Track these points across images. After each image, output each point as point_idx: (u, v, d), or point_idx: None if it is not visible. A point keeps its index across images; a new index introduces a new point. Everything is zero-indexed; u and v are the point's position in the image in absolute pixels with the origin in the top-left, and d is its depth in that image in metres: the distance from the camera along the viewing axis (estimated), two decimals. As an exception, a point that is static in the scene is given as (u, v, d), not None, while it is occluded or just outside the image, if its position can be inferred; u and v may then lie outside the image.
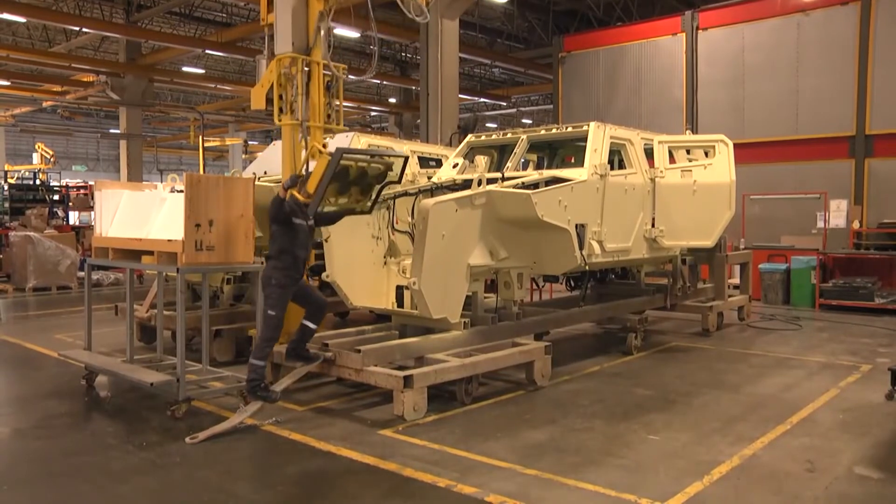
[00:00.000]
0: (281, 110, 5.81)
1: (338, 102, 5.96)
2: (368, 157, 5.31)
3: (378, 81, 24.43)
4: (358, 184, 5.34)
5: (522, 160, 7.29)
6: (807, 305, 10.04)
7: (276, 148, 8.49)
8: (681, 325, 8.56)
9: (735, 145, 7.09)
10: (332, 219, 5.37)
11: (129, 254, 5.23)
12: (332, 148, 5.93)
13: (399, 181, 5.78)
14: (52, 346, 7.08)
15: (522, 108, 29.92)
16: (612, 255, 6.26)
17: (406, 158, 5.75)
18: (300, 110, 5.75)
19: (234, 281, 7.33)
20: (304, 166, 5.70)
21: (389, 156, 5.67)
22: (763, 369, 6.18)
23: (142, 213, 5.29)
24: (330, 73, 5.85)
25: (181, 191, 4.91)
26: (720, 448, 4.14)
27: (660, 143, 7.02)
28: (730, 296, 8.71)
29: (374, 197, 5.57)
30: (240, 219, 4.99)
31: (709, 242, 6.85)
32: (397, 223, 6.10)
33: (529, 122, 33.14)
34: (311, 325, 5.06)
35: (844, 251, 10.38)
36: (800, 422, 4.65)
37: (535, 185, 5.73)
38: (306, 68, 5.79)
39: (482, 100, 27.53)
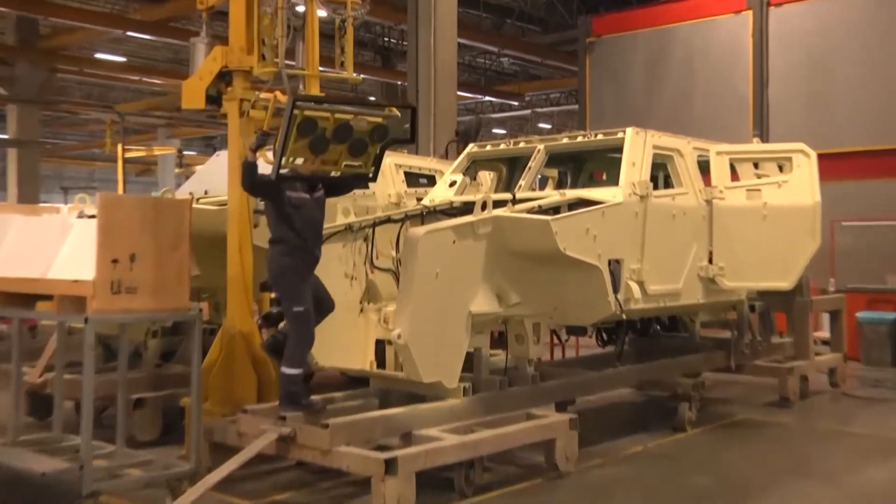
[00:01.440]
0: (263, 57, 6.02)
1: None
2: (337, 107, 5.41)
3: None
4: (342, 141, 5.43)
5: (539, 177, 7.46)
6: (924, 368, 9.97)
7: (220, 160, 8.65)
8: (750, 393, 8.62)
9: (819, 156, 7.17)
10: (339, 187, 5.67)
11: (19, 298, 5.22)
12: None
13: (412, 140, 5.89)
14: None
15: (539, 110, 30.32)
16: (656, 299, 6.39)
17: (414, 109, 5.83)
18: (281, 55, 5.93)
19: (163, 333, 7.41)
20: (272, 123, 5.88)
21: (375, 106, 5.79)
22: (868, 454, 6.20)
23: (38, 244, 5.30)
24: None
25: (93, 216, 5.02)
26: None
27: (718, 153, 7.19)
28: (817, 354, 8.79)
29: (374, 158, 5.67)
30: (172, 252, 5.10)
31: (785, 283, 6.96)
32: (377, 258, 6.23)
33: (548, 127, 33.52)
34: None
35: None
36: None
37: (555, 210, 5.88)
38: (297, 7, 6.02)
39: (487, 98, 27.99)
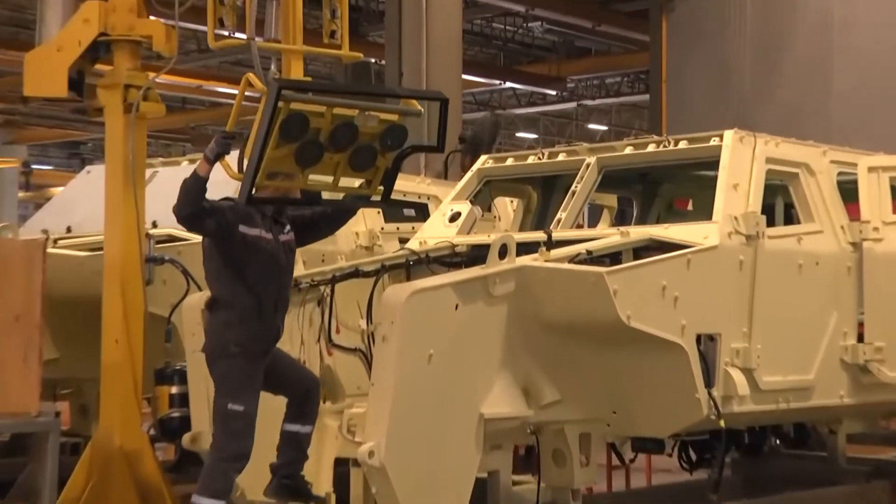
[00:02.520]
0: (221, 22, 6.20)
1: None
2: (337, 99, 5.64)
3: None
4: (342, 148, 5.64)
5: (588, 205, 7.51)
6: None
7: (91, 178, 8.73)
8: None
9: None
10: (317, 225, 6.00)
11: None
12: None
13: (440, 148, 6.14)
14: None
15: (588, 102, 30.53)
16: (774, 398, 6.39)
17: (445, 103, 6.03)
18: (250, 17, 6.09)
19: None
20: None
21: (389, 96, 6.03)
22: None
23: None
24: None
25: None
26: None
27: (872, 170, 7.25)
28: None
29: (383, 175, 5.90)
30: (13, 325, 5.16)
31: None
32: (337, 332, 6.29)
33: (602, 129, 33.79)
34: (303, 429, 5.53)
35: None
36: None
37: (614, 257, 5.95)
38: None
39: (509, 85, 28.13)
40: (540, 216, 7.67)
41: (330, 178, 5.80)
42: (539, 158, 7.48)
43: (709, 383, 5.85)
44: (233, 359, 5.45)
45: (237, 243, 5.49)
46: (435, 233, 7.11)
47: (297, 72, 6.32)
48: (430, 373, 5.20)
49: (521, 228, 7.70)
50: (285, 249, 5.73)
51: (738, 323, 6.20)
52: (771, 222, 6.81)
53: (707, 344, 5.94)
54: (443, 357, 5.24)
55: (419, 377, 5.16)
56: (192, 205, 5.41)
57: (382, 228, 8.39)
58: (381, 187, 5.95)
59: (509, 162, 7.60)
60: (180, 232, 7.87)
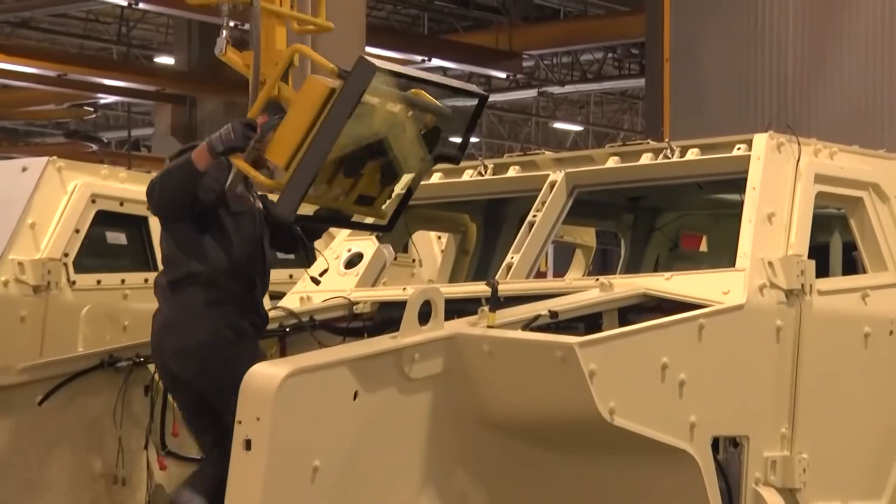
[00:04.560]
0: None
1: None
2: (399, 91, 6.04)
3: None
4: (382, 152, 6.03)
5: (552, 243, 7.52)
6: None
7: None
8: None
9: None
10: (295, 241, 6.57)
11: None
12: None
13: (458, 159, 6.57)
14: None
15: (555, 90, 30.92)
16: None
17: (484, 98, 6.62)
18: None
19: None
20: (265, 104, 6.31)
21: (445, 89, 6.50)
22: None
23: None
24: None
25: None
26: None
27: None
28: None
29: (390, 188, 6.26)
30: None
31: None
32: (174, 434, 6.33)
33: (576, 130, 34.22)
34: None
35: None
36: None
37: (590, 321, 6.01)
38: None
39: (437, 62, 28.25)
40: (481, 260, 7.73)
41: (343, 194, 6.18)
42: (480, 174, 7.55)
43: (732, 514, 5.90)
44: (231, 346, 5.87)
45: (220, 219, 5.97)
46: (324, 284, 7.13)
47: (280, 42, 6.65)
48: (316, 494, 5.18)
49: (454, 278, 7.75)
50: (260, 222, 6.20)
51: (774, 420, 6.27)
52: (823, 270, 6.88)
53: (729, 452, 6.00)
54: (334, 471, 5.24)
55: (298, 501, 5.13)
56: (177, 204, 5.84)
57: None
58: (386, 203, 6.37)
59: (436, 178, 7.65)
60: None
